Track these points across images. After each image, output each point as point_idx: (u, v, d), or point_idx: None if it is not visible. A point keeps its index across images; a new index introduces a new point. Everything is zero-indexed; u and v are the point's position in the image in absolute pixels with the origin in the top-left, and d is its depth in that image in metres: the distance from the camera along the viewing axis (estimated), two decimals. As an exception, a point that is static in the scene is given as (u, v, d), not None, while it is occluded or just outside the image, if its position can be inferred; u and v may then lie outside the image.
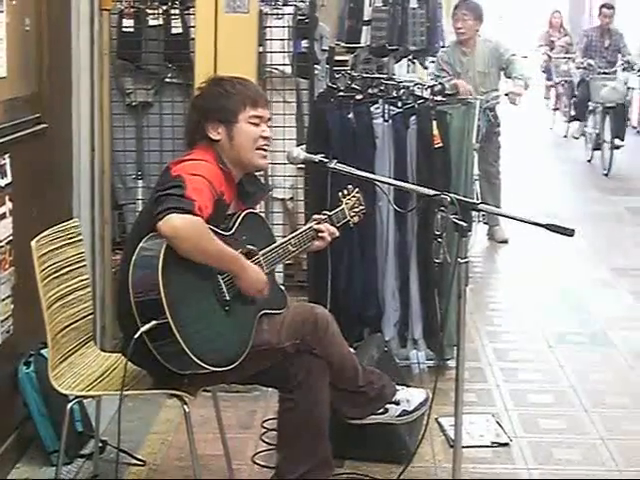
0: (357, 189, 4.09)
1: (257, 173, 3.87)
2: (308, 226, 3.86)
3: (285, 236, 3.90)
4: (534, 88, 11.26)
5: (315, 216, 3.92)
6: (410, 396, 4.02)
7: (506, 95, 8.71)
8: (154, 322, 3.27)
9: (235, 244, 3.50)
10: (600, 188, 11.52)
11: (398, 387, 4.03)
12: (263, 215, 4.11)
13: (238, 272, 3.47)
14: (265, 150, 3.69)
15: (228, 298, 3.47)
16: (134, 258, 3.36)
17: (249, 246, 3.60)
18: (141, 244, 3.38)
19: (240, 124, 3.63)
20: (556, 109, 17.00)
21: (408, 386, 4.19)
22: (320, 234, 3.85)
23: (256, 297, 3.56)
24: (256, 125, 3.65)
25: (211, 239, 3.34)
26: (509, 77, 8.63)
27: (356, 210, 4.07)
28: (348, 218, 4.02)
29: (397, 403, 3.98)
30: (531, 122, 17.10)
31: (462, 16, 8.35)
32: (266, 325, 3.63)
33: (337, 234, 3.93)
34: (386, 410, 3.98)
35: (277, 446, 3.84)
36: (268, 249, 3.67)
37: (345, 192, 4.04)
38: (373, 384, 3.92)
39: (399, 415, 4.00)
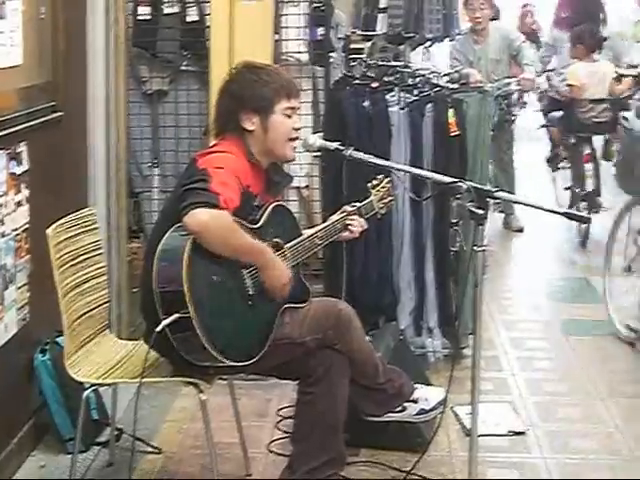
0: (388, 179, 4.07)
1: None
2: (336, 218, 3.83)
3: (310, 227, 3.88)
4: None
5: (345, 207, 3.89)
6: (428, 395, 3.99)
7: (518, 83, 8.71)
8: (176, 315, 3.26)
9: (262, 237, 3.48)
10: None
11: (416, 385, 4.00)
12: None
13: (263, 266, 3.45)
14: (295, 140, 3.68)
15: (252, 292, 3.44)
16: (159, 249, 3.35)
17: (276, 239, 3.58)
18: (166, 235, 3.36)
19: (275, 115, 3.59)
20: None
21: (427, 385, 4.18)
22: (350, 227, 3.84)
23: (277, 294, 3.53)
24: (289, 117, 3.63)
25: (237, 232, 3.32)
26: (519, 65, 8.64)
27: (385, 202, 4.04)
28: (376, 210, 4.00)
29: (415, 401, 3.96)
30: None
31: (479, 6, 8.35)
32: (288, 318, 3.59)
33: (366, 227, 3.92)
34: (404, 408, 3.95)
35: (292, 438, 3.83)
36: (294, 242, 3.64)
37: (375, 183, 4.02)
38: (393, 381, 3.89)
39: (417, 414, 3.97)
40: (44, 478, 4.07)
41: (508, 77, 8.57)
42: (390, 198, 4.06)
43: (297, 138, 3.68)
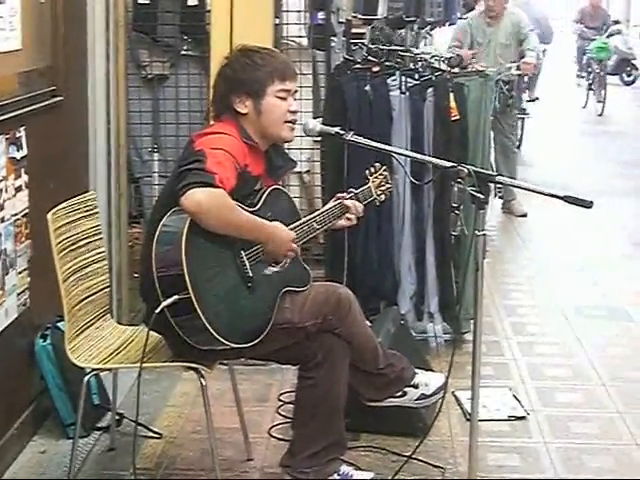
0: (384, 167, 4.07)
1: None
2: (334, 204, 3.82)
3: (312, 212, 3.87)
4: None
5: (340, 194, 3.89)
6: (428, 380, 3.98)
7: (517, 67, 8.72)
8: (176, 297, 3.26)
9: None
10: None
11: (417, 370, 3.99)
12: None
13: (266, 239, 3.46)
14: (293, 123, 3.66)
15: (251, 275, 3.44)
16: (157, 233, 3.34)
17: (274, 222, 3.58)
18: (164, 219, 3.36)
19: (268, 98, 3.58)
20: None
21: (427, 370, 4.17)
22: (347, 212, 3.83)
23: (280, 271, 3.53)
24: (283, 99, 3.61)
25: (234, 210, 3.32)
26: (522, 51, 8.67)
27: (383, 188, 4.03)
28: (374, 197, 3.99)
29: (416, 386, 3.95)
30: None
31: None
32: (288, 303, 3.59)
33: (362, 214, 3.91)
34: (404, 393, 3.93)
35: (292, 423, 3.83)
36: (293, 226, 3.63)
37: (372, 170, 4.01)
38: (393, 366, 3.88)
39: (417, 399, 3.95)
40: (45, 463, 4.06)
41: (513, 62, 8.61)
42: (388, 185, 4.06)
43: (295, 121, 3.67)
